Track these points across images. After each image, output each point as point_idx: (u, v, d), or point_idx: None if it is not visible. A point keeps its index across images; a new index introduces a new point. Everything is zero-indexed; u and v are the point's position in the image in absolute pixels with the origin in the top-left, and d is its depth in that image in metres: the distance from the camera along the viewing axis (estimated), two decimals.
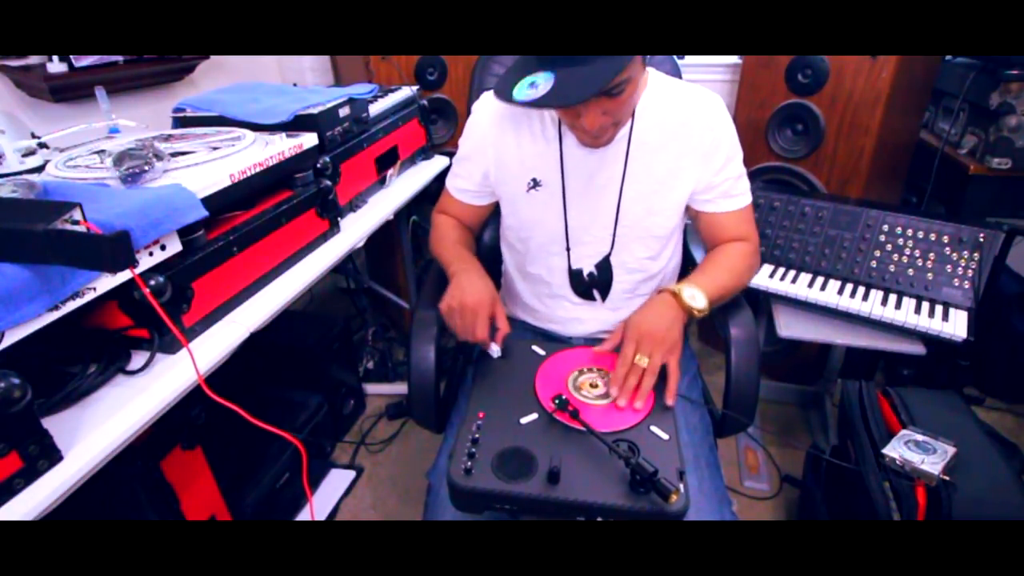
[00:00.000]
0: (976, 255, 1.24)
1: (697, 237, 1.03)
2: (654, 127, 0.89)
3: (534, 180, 0.95)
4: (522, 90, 0.73)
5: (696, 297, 0.86)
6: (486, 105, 0.98)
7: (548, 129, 0.92)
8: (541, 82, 0.72)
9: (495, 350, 0.88)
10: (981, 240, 1.24)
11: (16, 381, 0.57)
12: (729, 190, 0.93)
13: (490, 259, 1.19)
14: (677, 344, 0.83)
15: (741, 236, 0.97)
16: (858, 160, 1.48)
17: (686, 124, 0.89)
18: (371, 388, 1.92)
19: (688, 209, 0.97)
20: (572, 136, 0.90)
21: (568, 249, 0.97)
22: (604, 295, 1.00)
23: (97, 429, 0.67)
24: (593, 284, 0.99)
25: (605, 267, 0.97)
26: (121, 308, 0.76)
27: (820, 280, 1.36)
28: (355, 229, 1.20)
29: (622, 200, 0.92)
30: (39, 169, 0.89)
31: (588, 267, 0.98)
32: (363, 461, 1.68)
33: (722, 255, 0.96)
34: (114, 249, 0.59)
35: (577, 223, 0.95)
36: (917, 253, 1.30)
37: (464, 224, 1.10)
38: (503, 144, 0.96)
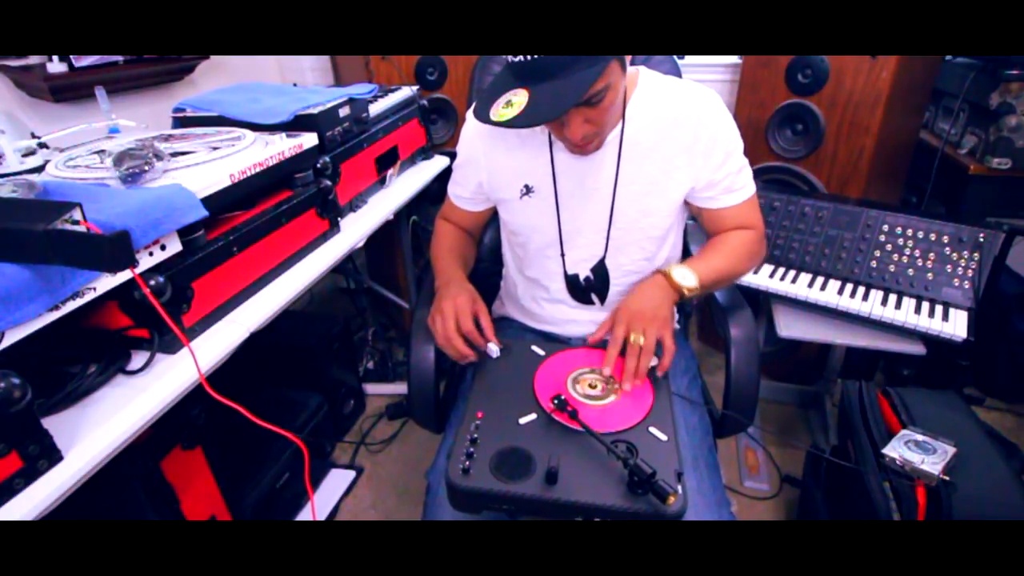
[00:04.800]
0: (976, 255, 1.24)
1: (700, 232, 1.03)
2: (646, 127, 0.89)
3: (526, 186, 0.95)
4: (499, 110, 0.73)
5: (687, 276, 0.86)
6: None
7: (538, 135, 0.92)
8: (516, 100, 0.72)
9: (493, 350, 0.88)
10: (981, 240, 1.24)
11: (16, 381, 0.57)
12: (731, 185, 0.92)
13: (490, 260, 1.20)
14: (667, 321, 0.83)
15: (745, 226, 0.96)
16: (858, 160, 1.48)
17: (679, 122, 0.88)
18: (371, 388, 1.92)
19: (690, 205, 0.97)
20: None
21: (563, 255, 0.97)
22: (602, 298, 1.00)
23: (97, 429, 0.67)
24: (590, 288, 0.99)
25: (600, 270, 0.97)
26: (121, 308, 0.76)
27: (820, 280, 1.36)
28: (355, 229, 1.20)
29: (615, 203, 0.92)
30: (39, 169, 0.89)
31: (584, 272, 0.98)
32: (363, 461, 1.68)
33: (721, 240, 0.96)
34: (114, 249, 0.59)
35: (571, 227, 0.95)
36: (917, 253, 1.30)
37: (464, 229, 1.11)
38: (494, 152, 0.96)
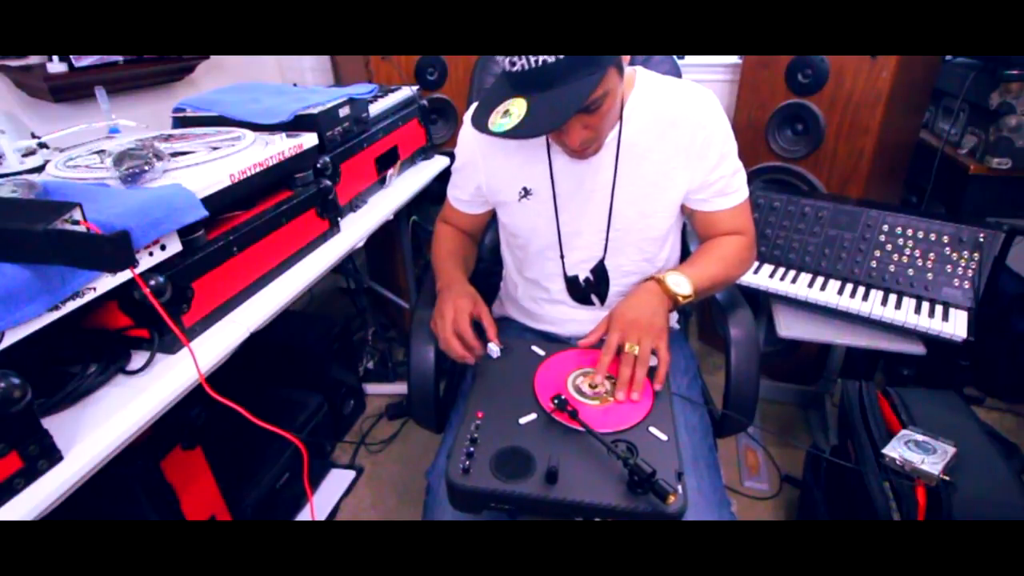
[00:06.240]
0: (976, 255, 1.24)
1: (694, 233, 1.03)
2: (643, 129, 0.88)
3: (525, 189, 0.95)
4: (497, 119, 0.72)
5: (681, 283, 0.85)
6: None
7: (536, 138, 0.92)
8: (515, 110, 0.71)
9: (494, 350, 0.88)
10: (981, 240, 1.24)
11: (16, 381, 0.57)
12: (724, 188, 0.92)
13: (490, 260, 1.20)
14: (663, 330, 0.81)
15: (737, 231, 0.96)
16: (858, 160, 1.48)
17: (676, 123, 0.88)
18: (371, 388, 1.92)
19: (683, 207, 0.96)
20: None
21: (562, 256, 0.97)
22: (602, 299, 1.00)
23: (97, 429, 0.67)
24: (590, 289, 0.99)
25: (600, 272, 0.97)
26: (121, 308, 0.76)
27: (820, 280, 1.36)
28: (355, 229, 1.20)
29: (614, 204, 0.92)
30: (39, 169, 0.89)
31: (584, 273, 0.98)
32: (363, 461, 1.68)
33: (714, 246, 0.95)
34: (114, 249, 0.59)
35: (569, 229, 0.95)
36: (917, 253, 1.30)
37: (464, 231, 1.11)
38: (492, 155, 0.96)
